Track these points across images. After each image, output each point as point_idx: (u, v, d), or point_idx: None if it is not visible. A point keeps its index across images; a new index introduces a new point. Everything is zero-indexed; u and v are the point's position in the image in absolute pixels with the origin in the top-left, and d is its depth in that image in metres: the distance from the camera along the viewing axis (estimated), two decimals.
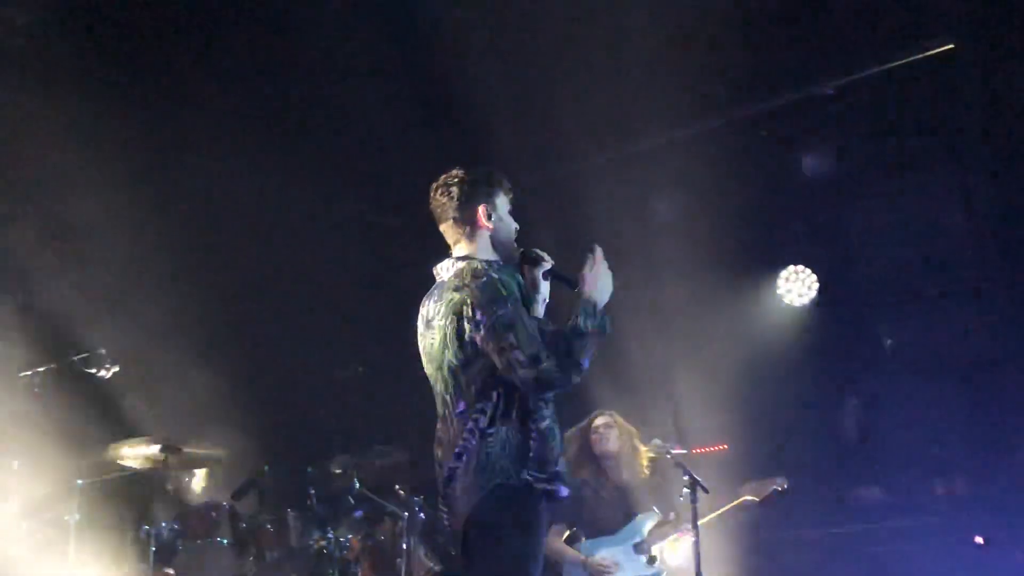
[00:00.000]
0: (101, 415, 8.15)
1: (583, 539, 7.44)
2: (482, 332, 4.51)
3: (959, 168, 8.98)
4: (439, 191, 4.88)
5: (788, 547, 8.69)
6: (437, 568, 8.04)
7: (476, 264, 4.70)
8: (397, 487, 7.96)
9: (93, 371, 7.49)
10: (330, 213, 10.14)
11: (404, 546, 7.60)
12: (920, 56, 8.65)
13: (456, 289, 4.63)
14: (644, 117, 8.97)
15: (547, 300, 4.91)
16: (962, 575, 7.78)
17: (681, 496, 6.61)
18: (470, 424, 4.54)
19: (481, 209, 4.82)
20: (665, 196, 9.53)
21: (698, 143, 9.28)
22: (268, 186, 9.22)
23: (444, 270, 4.84)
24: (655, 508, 7.56)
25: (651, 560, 7.40)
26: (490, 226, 4.84)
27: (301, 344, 9.71)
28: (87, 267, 8.35)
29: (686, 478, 6.62)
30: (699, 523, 6.87)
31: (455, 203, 4.84)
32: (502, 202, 4.88)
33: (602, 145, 9.46)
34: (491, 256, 4.82)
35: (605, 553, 7.37)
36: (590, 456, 7.64)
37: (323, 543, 7.62)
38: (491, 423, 4.52)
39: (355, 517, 8.01)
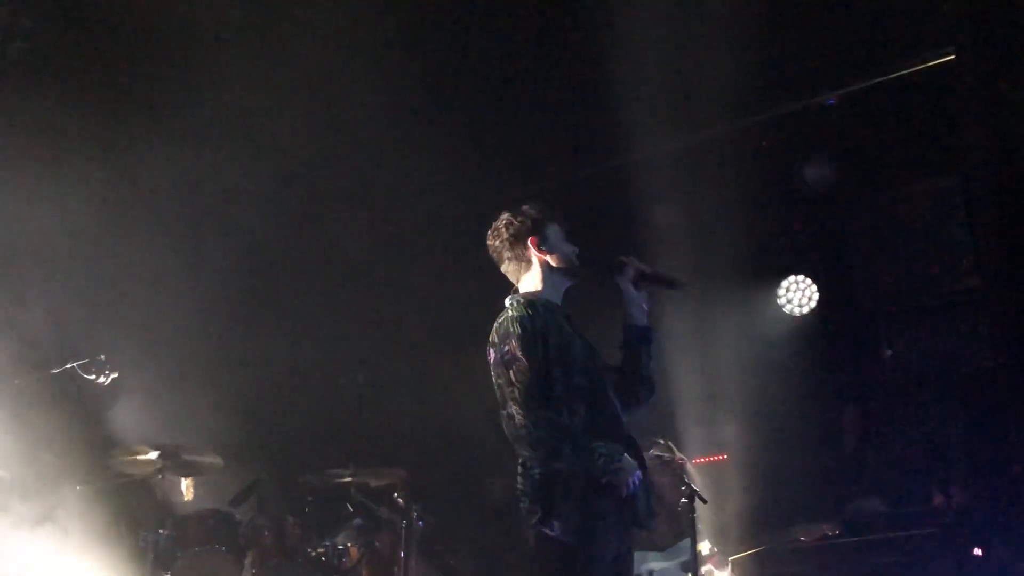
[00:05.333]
0: (99, 421, 8.15)
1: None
2: (491, 368, 4.79)
3: (960, 178, 8.97)
4: (491, 237, 5.13)
5: (785, 557, 8.65)
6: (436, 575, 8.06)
7: (509, 303, 4.94)
8: (396, 495, 7.95)
9: (92, 377, 7.48)
10: (332, 218, 10.13)
11: (402, 554, 7.58)
12: (921, 66, 8.65)
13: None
14: (643, 127, 8.98)
15: (646, 304, 5.10)
16: None
17: (679, 507, 6.57)
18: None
19: (531, 242, 5.03)
20: (665, 206, 9.51)
21: (698, 153, 9.29)
22: (268, 189, 9.22)
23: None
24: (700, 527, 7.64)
25: None
26: (543, 256, 5.02)
27: (300, 352, 9.71)
28: (85, 272, 8.35)
29: (684, 488, 6.60)
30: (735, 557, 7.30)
31: (507, 244, 5.07)
32: (553, 231, 5.07)
33: (599, 155, 9.45)
34: (547, 287, 5.00)
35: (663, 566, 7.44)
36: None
37: (321, 551, 7.61)
38: None
39: (354, 525, 8.00)
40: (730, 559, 7.46)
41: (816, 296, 9.52)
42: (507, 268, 5.10)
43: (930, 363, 9.08)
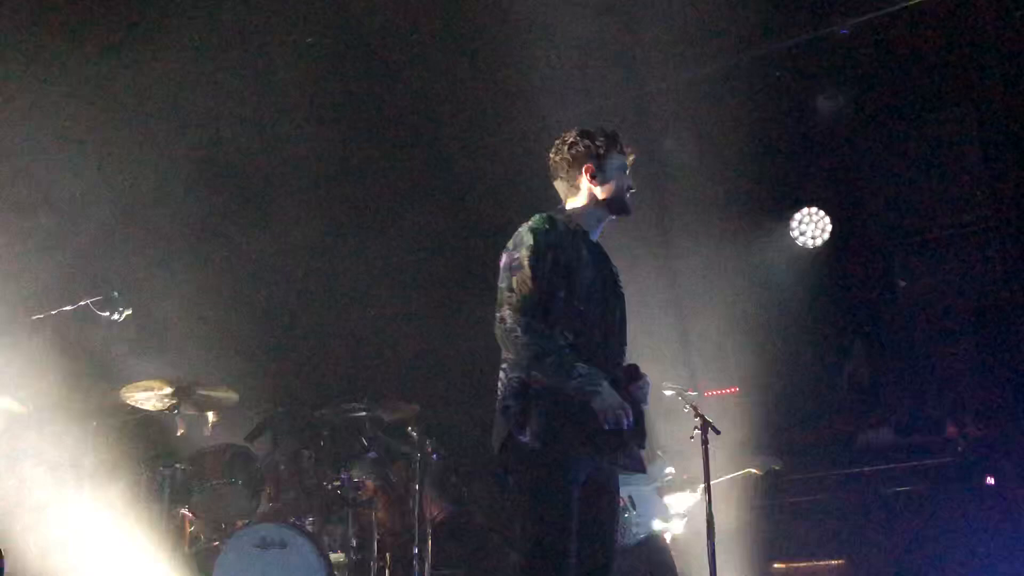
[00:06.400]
0: (114, 357, 8.18)
1: None
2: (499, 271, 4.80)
3: (973, 107, 8.90)
4: (553, 151, 5.09)
5: (798, 488, 8.72)
6: (450, 508, 8.10)
7: (540, 215, 4.89)
8: (410, 429, 7.98)
9: (106, 314, 7.50)
10: (347, 155, 10.10)
11: (417, 487, 7.63)
12: None
13: None
14: (657, 59, 8.91)
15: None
16: (974, 515, 7.78)
17: (692, 437, 6.63)
18: None
19: (585, 170, 5.00)
20: (678, 138, 9.46)
21: (711, 84, 9.21)
22: (280, 125, 9.17)
23: None
24: (660, 452, 7.80)
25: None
26: (592, 186, 5.00)
27: (314, 287, 9.73)
28: (98, 207, 8.34)
29: (697, 420, 6.65)
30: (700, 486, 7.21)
31: (563, 164, 5.05)
32: (614, 161, 5.03)
33: (614, 87, 9.36)
34: (587, 216, 5.00)
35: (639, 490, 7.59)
36: None
37: (337, 484, 7.65)
38: None
39: (368, 459, 8.03)
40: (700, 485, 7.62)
41: (829, 228, 9.49)
42: (558, 185, 5.10)
43: (943, 293, 9.06)
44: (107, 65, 8.39)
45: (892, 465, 8.30)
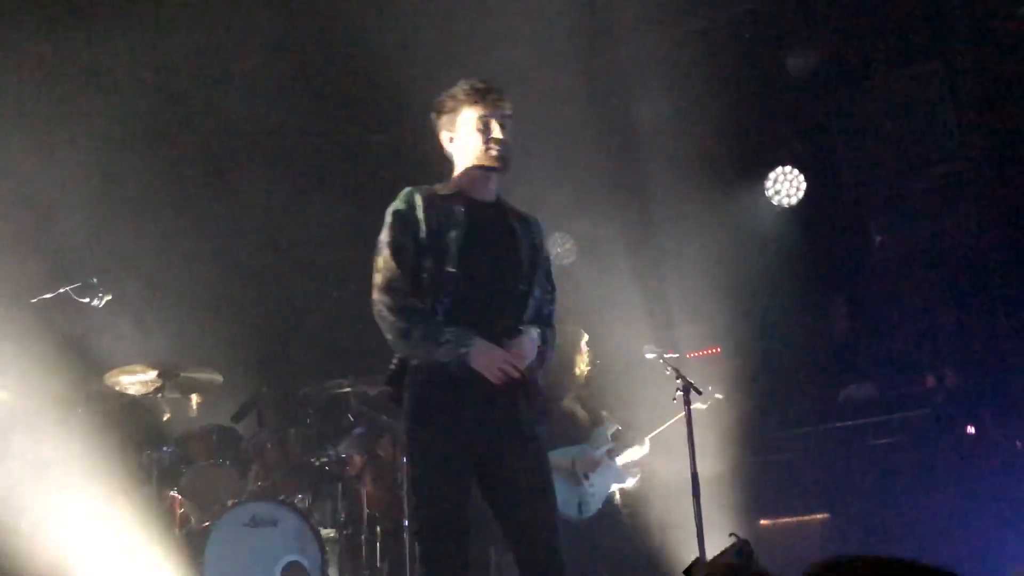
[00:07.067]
0: (97, 344, 8.18)
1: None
2: None
3: (943, 62, 8.93)
4: None
5: (781, 445, 8.80)
6: None
7: (402, 192, 4.80)
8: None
9: (86, 300, 7.51)
10: (326, 133, 10.09)
11: (404, 460, 7.67)
12: None
13: None
14: (626, 22, 8.90)
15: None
16: (955, 464, 7.87)
17: (674, 399, 6.68)
18: None
19: (442, 138, 4.89)
20: (649, 100, 9.46)
21: (681, 47, 9.20)
22: (263, 108, 9.15)
23: None
24: (604, 413, 7.95)
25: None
26: (453, 149, 4.87)
27: (294, 265, 9.73)
28: (77, 192, 8.32)
29: (679, 382, 6.69)
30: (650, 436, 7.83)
31: (438, 139, 4.92)
32: (468, 117, 4.79)
33: (583, 50, 9.35)
34: (461, 171, 4.84)
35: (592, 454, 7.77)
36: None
37: (325, 460, 7.69)
38: None
39: (355, 434, 8.07)
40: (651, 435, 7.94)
41: (804, 186, 9.52)
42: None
43: (919, 247, 9.12)
44: (58, 42, 8.32)
45: (873, 419, 8.37)
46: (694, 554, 6.14)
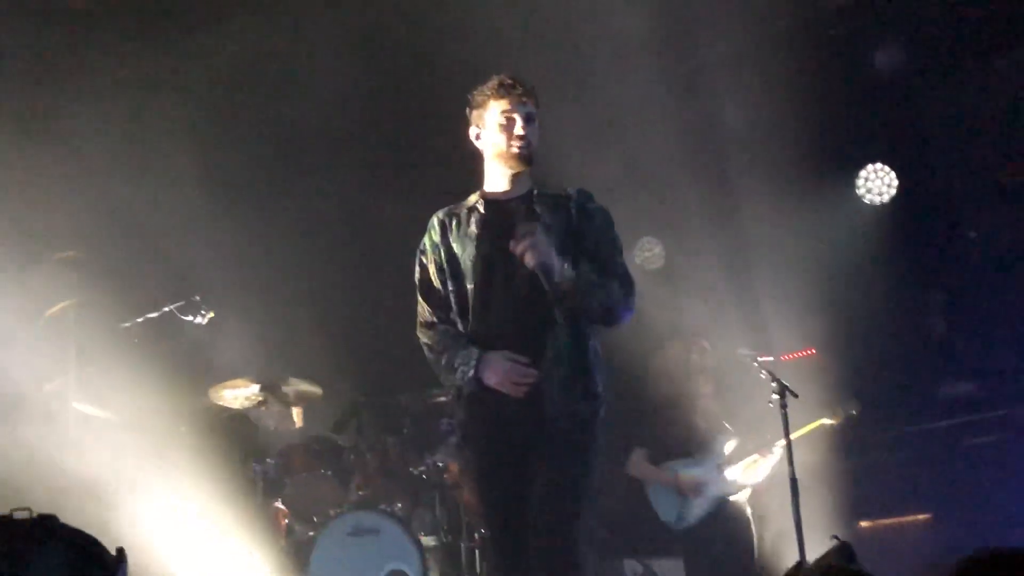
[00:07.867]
0: (200, 361, 8.36)
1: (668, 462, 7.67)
2: None
3: None
4: None
5: (880, 445, 8.72)
6: None
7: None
8: None
9: (189, 318, 7.68)
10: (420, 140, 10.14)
11: None
12: None
13: None
14: (709, 28, 8.89)
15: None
16: None
17: (771, 403, 6.62)
18: None
19: (471, 132, 4.88)
20: (737, 100, 9.42)
21: (767, 48, 9.16)
22: (355, 116, 9.24)
23: None
24: (728, 426, 7.79)
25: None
26: (480, 145, 4.88)
27: (390, 275, 9.80)
28: (174, 214, 8.50)
29: (774, 385, 6.64)
30: (777, 445, 7.30)
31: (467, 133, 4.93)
32: (494, 112, 4.76)
33: (669, 54, 9.33)
34: (491, 181, 4.86)
35: (696, 472, 7.59)
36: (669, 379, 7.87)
37: (423, 469, 7.78)
38: None
39: (451, 443, 8.14)
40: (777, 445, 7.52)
41: (895, 183, 9.41)
42: None
43: (1014, 242, 8.98)
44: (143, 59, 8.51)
45: (974, 417, 8.26)
46: (794, 557, 6.12)
